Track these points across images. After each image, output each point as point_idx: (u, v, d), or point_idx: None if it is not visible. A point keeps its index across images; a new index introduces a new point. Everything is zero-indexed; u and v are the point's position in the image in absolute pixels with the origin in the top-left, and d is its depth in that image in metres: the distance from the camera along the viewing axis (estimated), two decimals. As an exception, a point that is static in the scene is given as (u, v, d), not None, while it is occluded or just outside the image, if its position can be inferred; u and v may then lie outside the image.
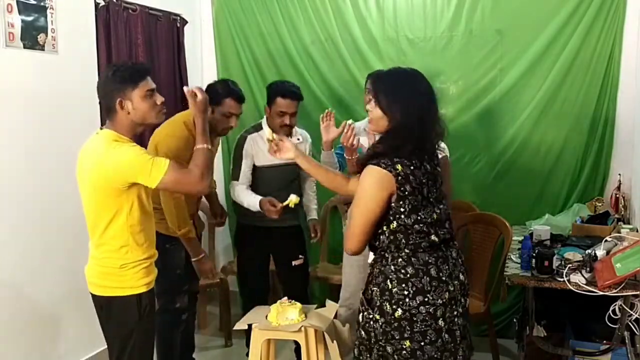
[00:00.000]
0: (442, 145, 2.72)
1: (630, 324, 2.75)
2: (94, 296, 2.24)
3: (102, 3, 3.34)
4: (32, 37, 2.92)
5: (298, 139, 3.31)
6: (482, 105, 3.82)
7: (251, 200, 3.14)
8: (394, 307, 1.93)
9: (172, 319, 3.05)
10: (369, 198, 1.93)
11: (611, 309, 2.64)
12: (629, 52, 3.54)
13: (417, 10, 3.89)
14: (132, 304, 2.18)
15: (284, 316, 2.76)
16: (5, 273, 2.85)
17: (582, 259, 2.71)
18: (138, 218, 2.16)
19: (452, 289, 1.97)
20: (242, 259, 3.46)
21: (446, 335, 1.96)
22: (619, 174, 3.52)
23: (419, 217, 1.93)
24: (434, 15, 3.85)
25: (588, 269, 2.62)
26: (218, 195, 3.60)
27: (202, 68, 4.39)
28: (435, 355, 1.95)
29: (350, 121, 2.74)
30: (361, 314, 2.05)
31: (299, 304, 2.82)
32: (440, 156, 2.65)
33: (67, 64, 3.13)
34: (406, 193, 1.90)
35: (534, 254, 2.78)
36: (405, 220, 1.92)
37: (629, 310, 2.61)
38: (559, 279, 2.64)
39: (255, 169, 3.24)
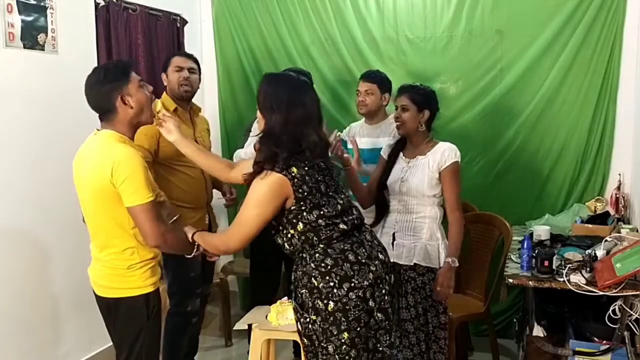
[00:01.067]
0: (453, 147, 2.74)
1: (630, 324, 2.75)
2: (100, 298, 2.22)
3: (102, 3, 3.34)
4: (32, 37, 2.92)
5: None
6: (482, 105, 3.82)
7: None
8: (325, 301, 1.97)
9: (183, 321, 3.05)
10: (265, 207, 1.97)
11: (611, 309, 2.64)
12: (629, 52, 3.54)
13: (417, 10, 3.89)
14: (140, 304, 2.16)
15: (284, 316, 2.76)
16: (5, 273, 2.85)
17: (582, 259, 2.71)
18: None
19: (374, 269, 2.02)
20: (255, 255, 3.48)
21: (379, 315, 2.02)
22: (619, 174, 3.52)
23: (321, 212, 1.98)
24: (434, 15, 3.85)
25: (588, 269, 2.62)
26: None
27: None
28: (370, 334, 2.01)
29: (337, 132, 2.78)
30: (297, 323, 2.09)
31: (299, 304, 2.82)
32: (448, 163, 2.66)
33: (67, 64, 3.13)
34: (305, 194, 1.96)
35: (534, 254, 2.78)
36: (309, 217, 1.97)
37: (629, 310, 2.61)
38: (559, 279, 2.64)
39: None
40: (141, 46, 3.66)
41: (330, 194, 2.03)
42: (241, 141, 3.38)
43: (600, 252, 2.71)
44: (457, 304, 3.12)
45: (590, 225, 3.26)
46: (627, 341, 2.72)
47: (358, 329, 1.98)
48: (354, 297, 1.96)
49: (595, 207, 3.46)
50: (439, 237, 2.71)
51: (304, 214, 1.97)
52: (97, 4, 3.32)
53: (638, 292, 2.50)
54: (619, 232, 2.96)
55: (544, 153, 3.75)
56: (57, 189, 3.05)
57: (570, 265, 2.71)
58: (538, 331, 2.97)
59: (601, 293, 2.51)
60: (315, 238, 2.00)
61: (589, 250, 2.75)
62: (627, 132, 3.57)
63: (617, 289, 2.48)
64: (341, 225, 2.01)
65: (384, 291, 2.05)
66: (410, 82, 3.85)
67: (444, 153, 2.70)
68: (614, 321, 2.64)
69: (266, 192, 1.95)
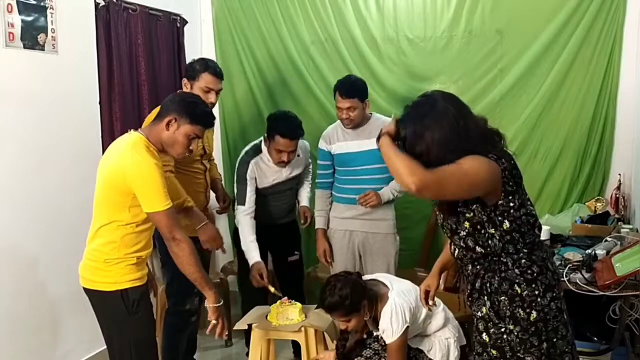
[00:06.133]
0: None
1: (630, 324, 2.75)
2: (84, 290, 2.28)
3: (102, 3, 3.34)
4: (32, 37, 2.92)
5: (298, 155, 3.32)
6: (482, 106, 3.80)
7: (249, 253, 3.18)
8: (528, 310, 1.85)
9: (181, 321, 3.05)
10: (478, 181, 1.76)
11: (611, 309, 2.64)
12: (629, 52, 3.54)
13: (417, 10, 3.88)
14: (116, 300, 2.20)
15: (284, 316, 2.77)
16: (5, 274, 2.85)
17: (582, 259, 2.71)
18: (134, 219, 2.19)
19: (560, 280, 1.94)
20: (241, 258, 3.47)
21: (569, 328, 1.92)
22: (619, 174, 3.52)
23: (528, 211, 1.87)
24: (434, 15, 3.85)
25: (588, 269, 2.62)
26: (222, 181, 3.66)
27: (202, 68, 4.40)
28: (566, 349, 1.90)
29: None
30: (484, 334, 1.91)
31: (299, 304, 2.82)
32: None
33: (67, 64, 3.13)
34: (514, 188, 1.84)
35: (534, 254, 2.78)
36: (516, 214, 1.84)
37: (629, 311, 2.62)
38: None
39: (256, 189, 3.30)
40: (141, 46, 3.66)
41: (527, 197, 1.91)
42: (237, 189, 3.29)
43: (600, 252, 2.71)
44: (456, 304, 3.11)
45: (590, 225, 3.26)
46: (627, 341, 2.73)
47: (555, 339, 1.87)
48: (554, 307, 1.86)
49: (595, 207, 3.46)
50: None
51: (512, 211, 1.83)
52: (97, 4, 3.32)
53: (638, 292, 2.51)
54: (619, 232, 2.96)
55: (544, 153, 3.74)
56: (58, 189, 3.05)
57: (570, 265, 2.71)
58: (538, 331, 2.96)
59: (601, 293, 2.51)
60: (520, 240, 1.86)
61: (589, 250, 2.75)
62: (627, 132, 3.57)
63: (617, 289, 2.48)
64: (537, 231, 1.91)
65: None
66: (410, 82, 3.88)
67: None
68: (614, 321, 2.65)
69: (484, 174, 1.77)
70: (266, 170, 3.25)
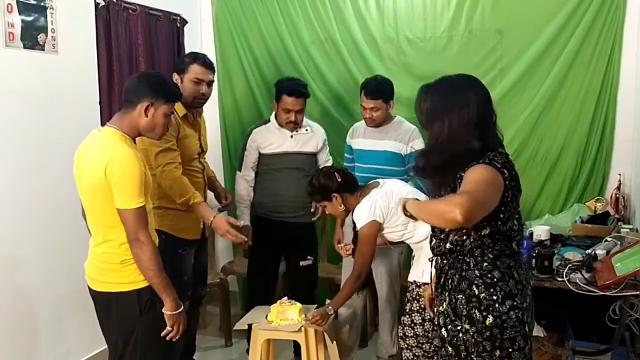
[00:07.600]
0: None
1: (630, 324, 2.75)
2: (94, 292, 2.25)
3: (102, 3, 3.34)
4: (32, 37, 2.92)
5: (306, 130, 3.40)
6: (482, 106, 3.81)
7: (241, 216, 3.35)
8: (484, 314, 1.84)
9: None
10: (490, 193, 1.75)
11: (611, 309, 2.64)
12: (629, 52, 3.53)
13: (417, 10, 3.88)
14: (132, 300, 2.18)
15: (284, 316, 2.77)
16: (5, 273, 2.85)
17: (582, 259, 2.71)
18: None
19: (529, 292, 1.92)
20: (254, 252, 3.46)
21: (529, 342, 1.91)
22: (619, 174, 3.52)
23: (512, 226, 1.86)
24: (434, 15, 3.85)
25: (588, 269, 2.62)
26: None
27: (202, 68, 4.39)
28: None
29: None
30: (443, 329, 1.93)
31: (299, 304, 2.82)
32: None
33: (67, 64, 3.13)
34: (508, 200, 1.82)
35: (534, 254, 2.78)
36: (500, 228, 1.84)
37: (629, 311, 2.62)
38: (559, 279, 2.64)
39: (261, 157, 3.40)
40: (141, 46, 3.66)
41: (518, 209, 1.89)
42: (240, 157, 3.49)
43: (600, 252, 2.71)
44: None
45: (590, 225, 3.26)
46: (627, 341, 2.73)
47: (510, 350, 1.85)
48: (514, 316, 1.84)
49: (595, 207, 3.46)
50: None
51: (499, 222, 1.83)
52: (97, 4, 3.32)
53: (638, 292, 2.51)
54: (619, 232, 2.96)
55: (544, 153, 3.74)
56: (57, 188, 3.05)
57: (570, 265, 2.71)
58: (538, 331, 2.97)
59: (601, 293, 2.51)
60: (490, 246, 1.86)
61: (589, 250, 2.75)
62: (627, 132, 3.56)
63: (617, 289, 2.48)
64: (514, 244, 1.90)
65: (531, 319, 1.92)
66: (410, 82, 3.88)
67: None
68: (614, 321, 2.65)
69: (491, 179, 1.75)
70: (269, 136, 3.35)
